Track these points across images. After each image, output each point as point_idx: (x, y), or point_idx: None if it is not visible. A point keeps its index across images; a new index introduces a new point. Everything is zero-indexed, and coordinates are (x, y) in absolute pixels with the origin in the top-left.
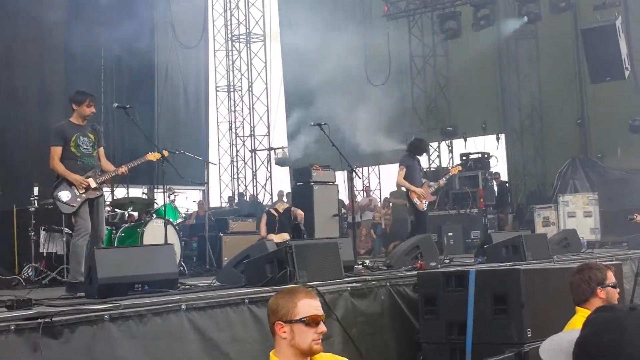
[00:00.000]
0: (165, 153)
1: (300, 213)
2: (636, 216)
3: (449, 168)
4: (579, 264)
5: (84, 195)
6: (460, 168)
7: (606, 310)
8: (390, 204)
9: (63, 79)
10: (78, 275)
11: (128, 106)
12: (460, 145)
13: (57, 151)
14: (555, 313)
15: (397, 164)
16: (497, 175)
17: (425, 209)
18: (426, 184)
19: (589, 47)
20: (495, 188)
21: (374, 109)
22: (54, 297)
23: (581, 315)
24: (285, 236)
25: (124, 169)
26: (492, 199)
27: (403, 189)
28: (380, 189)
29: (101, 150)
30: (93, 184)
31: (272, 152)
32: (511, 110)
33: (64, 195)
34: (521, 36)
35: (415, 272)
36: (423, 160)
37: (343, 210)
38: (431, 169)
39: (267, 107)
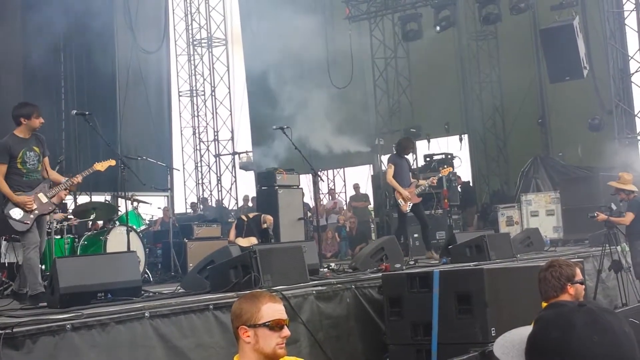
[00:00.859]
0: (112, 162)
1: (269, 218)
2: (597, 214)
3: (440, 169)
4: (548, 261)
5: (36, 212)
6: (450, 169)
7: (556, 307)
8: (351, 206)
9: (21, 85)
10: (38, 287)
11: (87, 113)
12: (424, 147)
13: (1, 169)
14: (519, 311)
15: (364, 166)
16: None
17: (408, 210)
18: (414, 184)
19: (548, 47)
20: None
21: (338, 111)
22: (15, 308)
23: None
24: (252, 240)
25: (78, 178)
26: (457, 199)
27: (365, 191)
28: (345, 192)
29: (46, 160)
30: (44, 199)
31: (237, 156)
32: (473, 111)
33: (16, 213)
34: (481, 37)
35: (380, 274)
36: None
37: (308, 214)
38: None
39: (231, 111)
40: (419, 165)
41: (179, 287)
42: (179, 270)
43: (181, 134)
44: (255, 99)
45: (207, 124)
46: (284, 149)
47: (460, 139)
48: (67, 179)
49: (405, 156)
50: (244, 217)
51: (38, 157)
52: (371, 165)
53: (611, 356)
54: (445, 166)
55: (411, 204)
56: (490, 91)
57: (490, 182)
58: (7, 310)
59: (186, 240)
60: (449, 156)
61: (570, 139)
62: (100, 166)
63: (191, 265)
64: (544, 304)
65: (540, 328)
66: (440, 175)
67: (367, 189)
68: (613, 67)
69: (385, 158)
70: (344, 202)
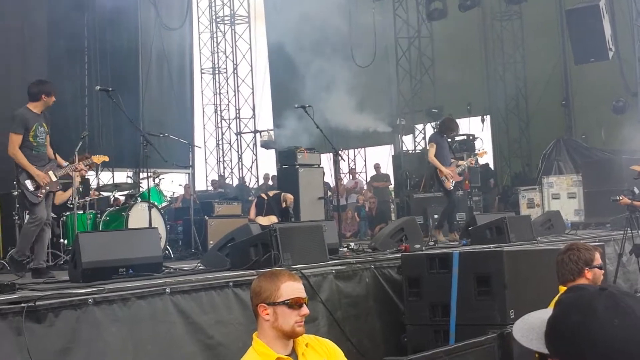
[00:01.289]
0: (105, 158)
1: (289, 197)
2: (621, 197)
3: (478, 151)
4: (566, 244)
5: (47, 187)
6: (485, 152)
7: (577, 290)
8: (372, 186)
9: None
10: (22, 255)
11: (111, 89)
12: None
13: (18, 139)
14: (538, 294)
15: (385, 146)
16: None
17: (452, 188)
18: (454, 163)
19: (573, 28)
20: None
21: (360, 90)
22: (38, 281)
23: None
24: (272, 219)
25: (81, 167)
26: (477, 180)
27: (385, 172)
28: (366, 172)
29: (48, 137)
30: (53, 178)
31: (258, 134)
32: (496, 91)
33: (30, 183)
34: (506, 17)
35: (400, 255)
36: (409, 141)
37: (329, 193)
38: (416, 151)
39: (252, 89)
40: (416, 150)
41: (199, 264)
42: (199, 247)
43: (203, 111)
44: (277, 77)
45: (229, 101)
46: (305, 127)
47: (483, 120)
48: (68, 163)
49: (447, 136)
50: (264, 196)
51: (46, 134)
52: (392, 145)
53: (632, 340)
54: (482, 149)
55: (454, 182)
56: (514, 72)
57: (512, 163)
58: (30, 284)
59: (207, 218)
60: (471, 137)
61: (594, 121)
62: (97, 159)
63: (211, 242)
64: (562, 288)
65: (561, 311)
66: (477, 157)
67: (387, 169)
68: (639, 48)
69: (406, 138)
70: (364, 182)
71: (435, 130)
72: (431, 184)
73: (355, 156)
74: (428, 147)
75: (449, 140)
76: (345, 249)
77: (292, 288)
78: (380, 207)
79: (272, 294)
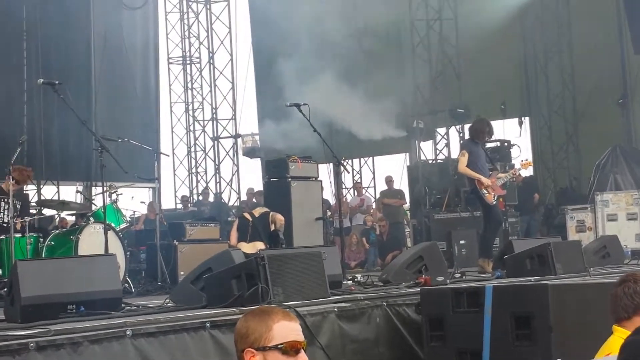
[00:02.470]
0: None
1: (280, 218)
2: None
3: (521, 162)
4: (622, 275)
5: None
6: (530, 163)
7: None
8: (382, 205)
9: None
10: None
11: (57, 82)
12: None
13: None
14: (591, 338)
15: (398, 154)
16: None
17: (495, 202)
18: (494, 174)
19: (632, 10)
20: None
21: (367, 86)
22: None
23: (619, 336)
24: (258, 245)
25: None
26: (514, 198)
27: (399, 186)
28: (374, 186)
29: None
30: None
31: (240, 140)
32: (537, 87)
33: None
34: None
35: (419, 289)
36: (428, 148)
37: (328, 213)
38: (438, 161)
39: (233, 83)
40: (437, 160)
41: (167, 300)
42: (167, 280)
43: (171, 111)
44: (264, 68)
45: (204, 98)
46: (299, 131)
47: (520, 123)
48: None
49: (481, 142)
50: (248, 216)
51: None
52: (407, 154)
53: None
54: (526, 159)
55: (497, 196)
56: (559, 63)
57: (557, 177)
58: None
59: (177, 243)
60: (506, 144)
61: None
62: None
63: (183, 273)
64: (616, 328)
65: (630, 357)
66: (522, 168)
67: (402, 183)
68: None
69: (425, 145)
70: (372, 199)
71: (461, 135)
72: (456, 202)
73: (361, 167)
74: (458, 157)
75: (484, 146)
76: (350, 281)
77: (287, 329)
78: (393, 230)
79: (262, 337)
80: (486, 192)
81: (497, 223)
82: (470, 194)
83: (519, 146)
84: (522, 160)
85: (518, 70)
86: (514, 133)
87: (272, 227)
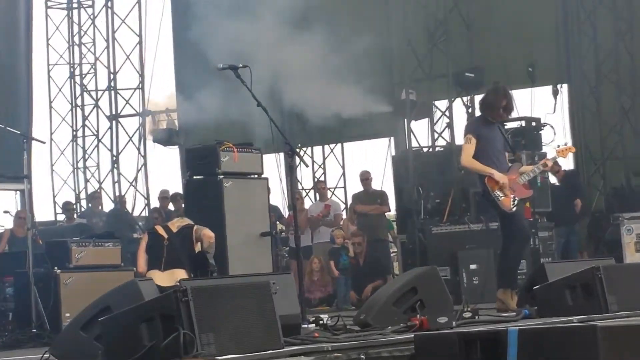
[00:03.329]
0: None
1: (208, 234)
2: None
3: (556, 148)
4: None
5: None
6: (571, 149)
7: None
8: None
9: None
10: None
11: None
12: None
13: None
14: None
15: (379, 139)
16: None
17: (516, 209)
18: (515, 168)
19: None
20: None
21: (333, 39)
22: None
23: None
24: (178, 274)
25: None
26: (547, 203)
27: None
28: (345, 187)
29: None
30: None
31: (149, 119)
32: (579, 44)
33: None
34: None
35: (412, 336)
36: (422, 130)
37: (280, 226)
38: (436, 148)
39: (140, 36)
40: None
41: (47, 356)
42: (45, 325)
43: (49, 77)
44: (184, 14)
45: (97, 59)
46: (236, 107)
47: (555, 93)
48: None
49: (497, 121)
50: (161, 231)
51: None
52: (392, 139)
53: None
54: (565, 144)
55: (517, 199)
56: (612, 7)
57: (608, 171)
58: None
59: (59, 271)
60: (534, 124)
61: None
62: None
63: (68, 315)
64: None
65: None
66: (558, 157)
67: (384, 182)
68: None
69: (418, 126)
70: (342, 206)
71: (470, 110)
72: (464, 209)
73: (325, 158)
74: (463, 143)
75: (501, 127)
76: (313, 325)
77: None
78: (373, 250)
79: None
80: (501, 194)
81: (522, 239)
82: (481, 197)
83: (552, 126)
84: (557, 146)
85: (553, 19)
86: (546, 108)
87: (198, 247)
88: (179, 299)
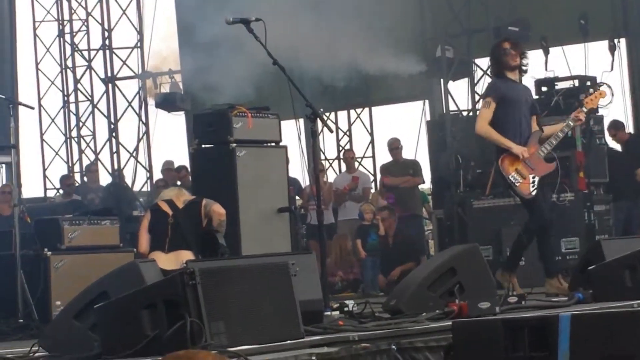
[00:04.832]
0: None
1: (218, 210)
2: None
3: (583, 97)
4: None
5: None
6: (604, 94)
7: None
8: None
9: None
10: None
11: None
12: (535, 62)
13: None
14: None
15: (411, 103)
16: (616, 125)
17: (535, 192)
18: (534, 137)
19: None
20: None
21: None
22: None
23: None
24: (184, 255)
25: None
26: (604, 172)
27: (412, 156)
28: (373, 156)
29: None
30: None
31: (149, 81)
32: None
33: None
34: None
35: (449, 323)
36: (461, 92)
37: (299, 201)
38: (477, 112)
39: None
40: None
41: (36, 347)
42: (33, 314)
43: (35, 35)
44: None
45: (89, 14)
46: (249, 66)
47: (612, 48)
48: None
49: (513, 77)
50: (165, 208)
51: None
52: (426, 102)
53: None
54: (600, 87)
55: (536, 179)
56: None
57: None
58: None
59: (49, 253)
60: (588, 83)
61: None
62: None
63: (59, 303)
64: None
65: None
66: (585, 107)
67: (417, 150)
68: None
69: (457, 87)
70: (371, 178)
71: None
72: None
73: (351, 124)
74: (480, 108)
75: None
76: (337, 312)
77: None
78: (405, 227)
79: None
80: (518, 177)
81: (536, 229)
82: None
83: (609, 86)
84: (588, 92)
85: None
86: (602, 65)
87: (205, 223)
88: (185, 283)
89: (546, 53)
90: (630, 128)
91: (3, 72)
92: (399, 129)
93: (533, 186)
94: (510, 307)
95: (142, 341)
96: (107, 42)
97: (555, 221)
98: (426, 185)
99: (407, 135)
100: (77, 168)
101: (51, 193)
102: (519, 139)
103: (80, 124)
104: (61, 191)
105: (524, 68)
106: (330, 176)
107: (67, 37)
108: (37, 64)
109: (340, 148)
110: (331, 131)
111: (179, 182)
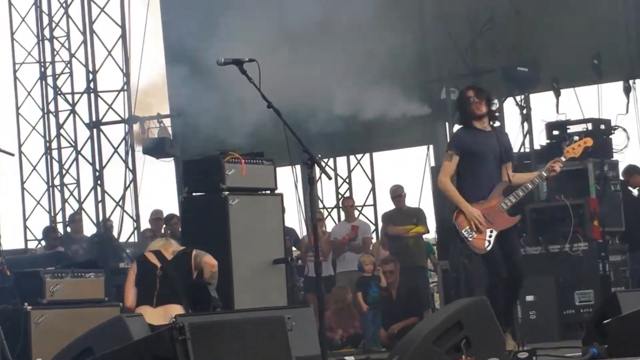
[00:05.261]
0: None
1: (209, 262)
2: None
3: (565, 145)
4: None
5: None
6: (590, 142)
7: None
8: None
9: None
10: None
11: None
12: (546, 105)
13: None
14: None
15: (414, 148)
16: (634, 170)
17: (490, 248)
18: (497, 189)
19: None
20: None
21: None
22: None
23: None
24: (172, 310)
25: None
26: (619, 220)
27: (416, 204)
28: (374, 204)
29: None
30: None
31: (138, 126)
32: None
33: None
34: None
35: None
36: None
37: (295, 252)
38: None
39: (123, 27)
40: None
41: None
42: None
43: (15, 78)
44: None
45: (73, 55)
46: (242, 112)
47: (627, 90)
48: None
49: (481, 126)
50: (153, 259)
51: None
52: (430, 147)
53: None
54: (585, 136)
55: (494, 234)
56: None
57: None
58: None
59: (29, 308)
60: (602, 126)
61: None
62: None
63: None
64: None
65: None
66: (565, 157)
67: (421, 198)
68: None
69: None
70: (371, 227)
71: (524, 110)
72: (519, 228)
73: (351, 171)
74: (443, 161)
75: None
76: None
77: None
78: (408, 280)
79: None
80: (471, 232)
81: (493, 285)
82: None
83: (625, 129)
84: (572, 139)
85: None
86: (616, 107)
87: (195, 275)
88: (174, 338)
89: (557, 95)
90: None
91: None
92: (401, 175)
93: (489, 241)
94: None
95: None
96: (91, 84)
97: (568, 272)
98: (431, 235)
99: (410, 182)
100: (59, 218)
101: (32, 244)
102: (482, 192)
103: (63, 172)
104: (43, 242)
105: (495, 114)
106: (329, 225)
107: (50, 80)
108: (17, 108)
109: (340, 196)
110: (330, 178)
111: (166, 232)
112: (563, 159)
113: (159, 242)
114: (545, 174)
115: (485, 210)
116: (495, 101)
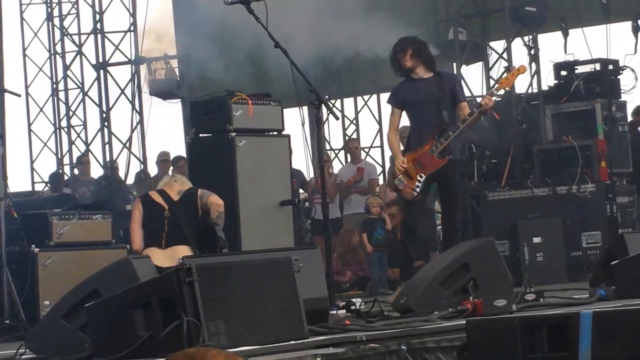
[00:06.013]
0: None
1: (216, 202)
2: None
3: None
4: None
5: None
6: (524, 69)
7: None
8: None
9: None
10: None
11: None
12: (553, 45)
13: None
14: None
15: None
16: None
17: (416, 194)
18: (430, 140)
19: None
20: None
21: None
22: None
23: None
24: (180, 251)
25: None
26: (627, 161)
27: None
28: (382, 146)
29: None
30: None
31: (145, 67)
32: None
33: None
34: None
35: (463, 322)
36: (475, 77)
37: (302, 193)
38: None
39: None
40: (545, 89)
41: (22, 349)
42: (20, 314)
43: (22, 18)
44: None
45: None
46: (248, 51)
47: (635, 29)
48: None
49: (417, 75)
50: (159, 200)
51: None
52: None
53: None
54: (518, 65)
55: (422, 178)
56: None
57: None
58: None
59: (36, 250)
60: (610, 67)
61: None
62: None
63: (48, 303)
64: None
65: None
66: (498, 89)
67: None
68: None
69: (470, 71)
70: (378, 169)
71: (532, 51)
72: (527, 170)
73: (358, 112)
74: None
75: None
76: (343, 310)
77: None
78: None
79: None
80: (403, 179)
81: (405, 231)
82: None
83: (633, 69)
84: (507, 69)
85: None
86: (624, 47)
87: (200, 213)
88: (181, 280)
89: (565, 35)
90: None
91: None
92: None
93: (416, 188)
94: (527, 304)
95: (135, 342)
96: (98, 25)
97: (575, 213)
98: None
99: None
100: (66, 160)
101: (39, 186)
102: (420, 140)
103: (70, 113)
104: (47, 186)
105: (429, 61)
106: (337, 167)
107: (56, 21)
108: (24, 49)
109: (346, 137)
110: (337, 118)
111: (172, 174)
112: (496, 91)
113: (163, 181)
114: (476, 111)
115: (418, 156)
116: (430, 47)
